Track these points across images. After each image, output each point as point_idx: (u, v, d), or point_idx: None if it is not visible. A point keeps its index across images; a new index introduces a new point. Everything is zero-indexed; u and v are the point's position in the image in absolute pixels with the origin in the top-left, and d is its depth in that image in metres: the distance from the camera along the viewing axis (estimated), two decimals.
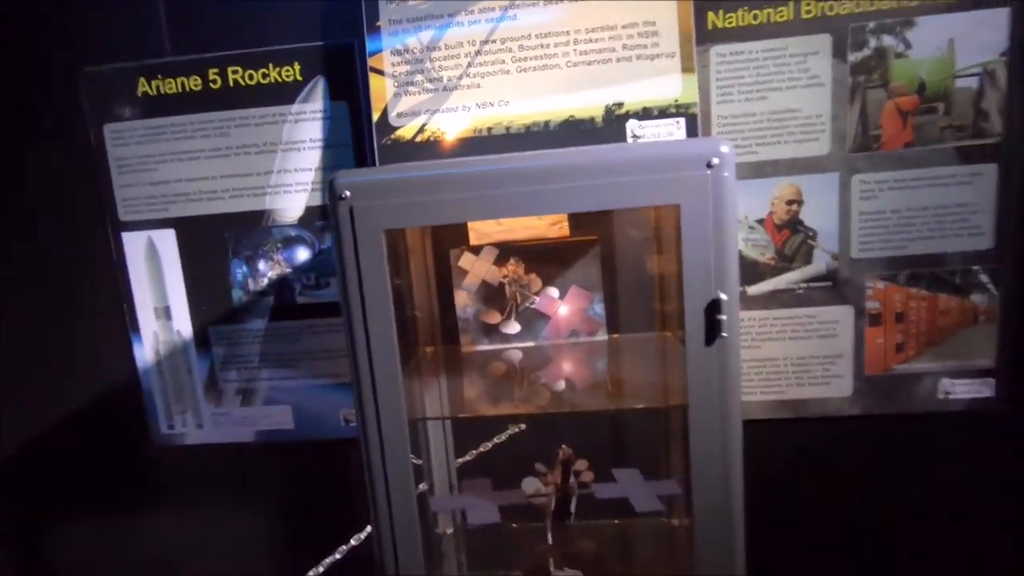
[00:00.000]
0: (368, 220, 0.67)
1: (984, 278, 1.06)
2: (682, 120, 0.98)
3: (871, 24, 1.00)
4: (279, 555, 1.27)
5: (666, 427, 1.11)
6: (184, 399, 1.24)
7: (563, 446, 0.94)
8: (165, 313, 1.20)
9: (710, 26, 1.03)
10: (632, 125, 0.98)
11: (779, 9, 1.01)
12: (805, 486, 1.16)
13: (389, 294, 0.71)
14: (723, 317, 0.64)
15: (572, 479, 0.91)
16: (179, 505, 1.29)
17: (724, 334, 0.65)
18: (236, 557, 1.30)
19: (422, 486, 1.13)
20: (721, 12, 1.02)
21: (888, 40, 1.00)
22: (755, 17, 1.02)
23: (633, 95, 0.98)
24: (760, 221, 1.08)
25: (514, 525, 1.13)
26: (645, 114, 0.99)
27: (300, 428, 1.22)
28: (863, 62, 1.02)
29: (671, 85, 0.98)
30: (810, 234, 1.07)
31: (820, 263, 1.08)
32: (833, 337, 1.10)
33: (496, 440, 1.20)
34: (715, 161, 0.62)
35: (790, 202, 1.07)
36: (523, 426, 1.18)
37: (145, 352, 1.22)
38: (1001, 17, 0.98)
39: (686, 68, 0.98)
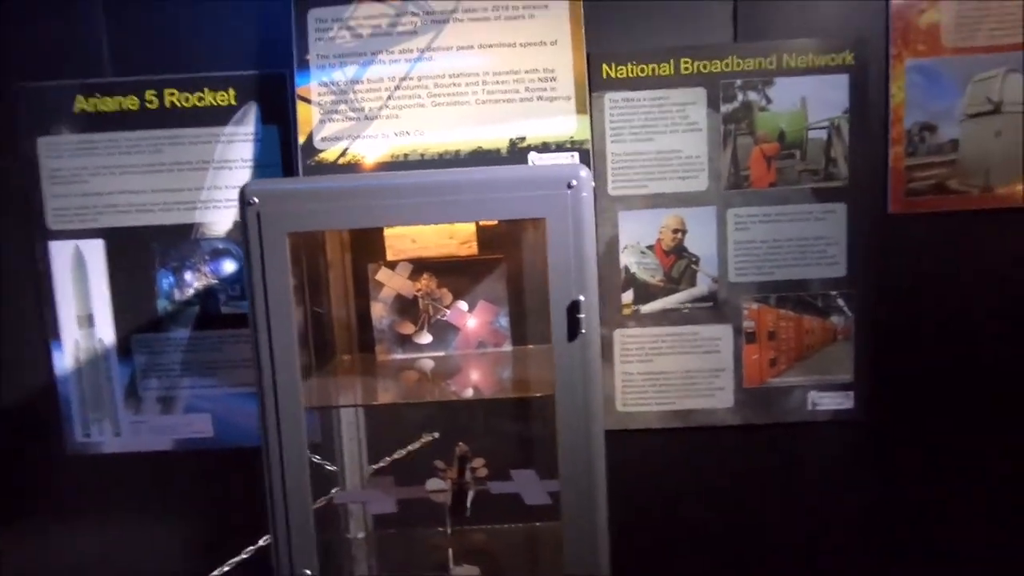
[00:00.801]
0: (273, 224, 0.75)
1: (840, 302, 1.21)
2: (576, 154, 1.11)
3: (738, 81, 1.17)
4: (194, 562, 1.27)
5: None
6: (103, 407, 1.25)
7: (460, 443, 1.01)
8: (88, 321, 1.23)
9: (604, 75, 1.18)
10: (533, 157, 1.11)
11: (662, 65, 1.17)
12: (690, 490, 1.26)
13: (291, 295, 0.78)
14: (582, 316, 0.75)
15: (468, 475, 0.98)
16: (93, 513, 1.29)
17: (583, 331, 0.75)
18: (151, 564, 1.29)
19: (335, 490, 1.17)
20: (614, 64, 1.17)
21: (752, 95, 1.17)
22: (642, 70, 1.17)
23: (534, 131, 1.11)
24: (650, 247, 1.21)
25: (422, 529, 1.18)
26: (545, 148, 1.12)
27: (220, 436, 1.25)
28: (733, 113, 1.18)
29: (567, 124, 1.11)
30: (694, 259, 1.21)
31: (703, 285, 1.22)
32: (716, 353, 1.22)
33: (410, 447, 1.26)
34: (574, 182, 0.74)
35: (676, 231, 1.20)
36: (436, 435, 1.25)
37: (65, 360, 1.24)
38: (842, 81, 1.17)
39: (580, 110, 1.12)
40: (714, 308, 1.22)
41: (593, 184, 0.76)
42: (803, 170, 1.19)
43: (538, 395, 0.96)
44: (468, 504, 0.98)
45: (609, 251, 1.21)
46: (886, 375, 1.22)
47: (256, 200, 0.75)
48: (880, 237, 1.20)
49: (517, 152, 1.11)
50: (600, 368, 0.79)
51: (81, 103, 1.18)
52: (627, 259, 1.21)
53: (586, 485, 0.77)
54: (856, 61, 1.16)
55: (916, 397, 1.23)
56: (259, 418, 0.85)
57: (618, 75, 1.18)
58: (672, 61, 1.17)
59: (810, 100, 1.18)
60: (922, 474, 1.25)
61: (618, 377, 1.23)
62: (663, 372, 1.23)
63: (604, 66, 1.18)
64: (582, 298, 0.74)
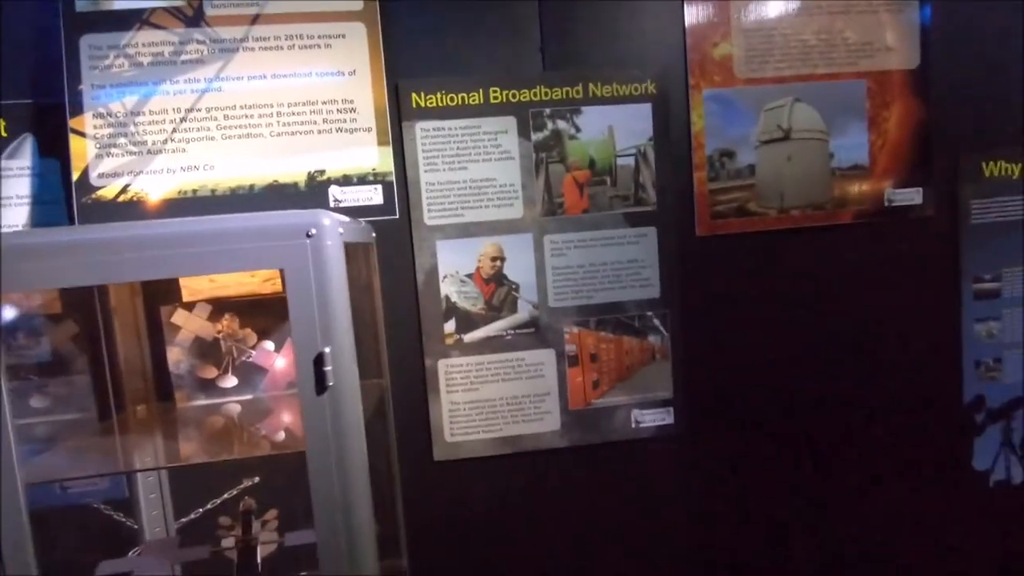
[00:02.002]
0: None
1: (656, 322, 1.26)
2: (379, 186, 1.09)
3: (547, 110, 1.19)
4: None
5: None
6: None
7: (245, 497, 0.96)
8: None
9: (414, 104, 1.16)
10: (334, 190, 1.08)
11: (471, 94, 1.17)
12: (521, 515, 1.26)
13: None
14: (328, 368, 0.72)
15: (255, 530, 0.93)
16: None
17: (331, 383, 0.73)
18: None
19: (133, 552, 1.09)
20: (422, 93, 1.16)
21: (562, 124, 1.20)
22: (451, 99, 1.17)
23: (334, 163, 1.08)
24: (470, 275, 1.21)
25: None
26: (346, 181, 1.09)
27: None
28: (544, 141, 1.20)
29: (368, 155, 1.09)
30: (513, 287, 1.22)
31: (524, 312, 1.23)
32: (540, 377, 1.24)
33: (227, 495, 1.19)
34: (313, 231, 0.72)
35: (494, 259, 1.21)
36: (257, 479, 1.19)
37: None
38: (646, 110, 1.21)
39: (382, 141, 1.10)
40: (536, 334, 1.23)
41: (341, 231, 0.74)
42: (614, 196, 1.23)
43: (286, 452, 0.92)
44: (259, 560, 0.93)
45: (429, 281, 1.20)
46: (700, 389, 1.28)
47: None
48: (690, 258, 1.25)
49: (316, 186, 1.08)
50: (360, 419, 0.77)
51: None
52: (447, 288, 1.20)
53: (346, 540, 0.74)
54: (658, 91, 1.21)
55: (729, 407, 1.30)
56: None
57: (428, 104, 1.17)
58: (481, 90, 1.18)
59: (617, 128, 1.21)
60: (740, 480, 1.31)
61: (445, 407, 1.22)
62: (489, 400, 1.23)
63: (413, 95, 1.16)
64: (327, 350, 0.71)
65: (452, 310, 1.21)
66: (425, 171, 1.18)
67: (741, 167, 1.24)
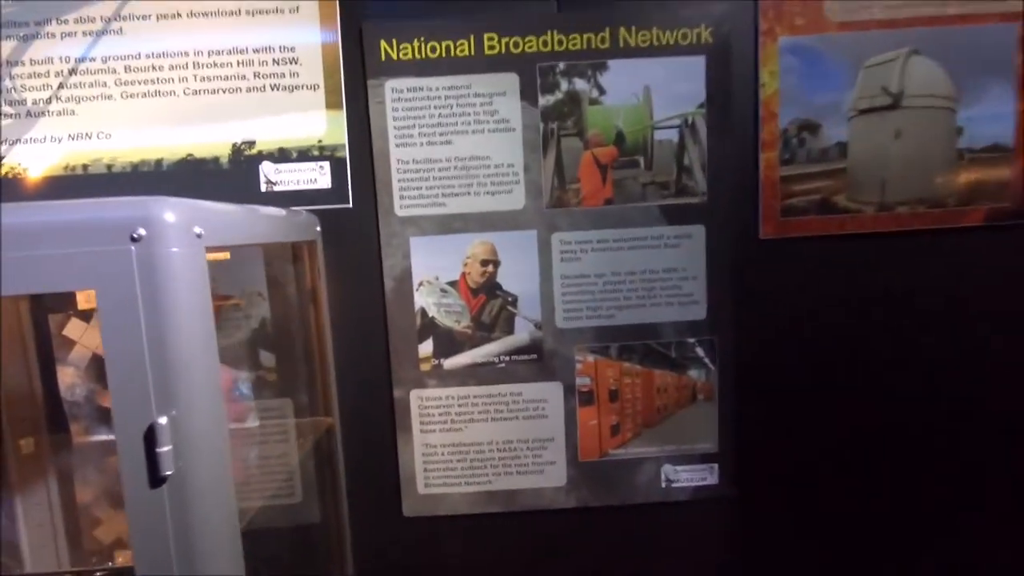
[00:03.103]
0: None
1: (701, 352, 0.95)
2: (326, 164, 0.82)
3: (561, 65, 0.89)
4: None
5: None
6: None
7: None
8: None
9: (383, 56, 0.88)
10: (266, 168, 0.81)
11: (460, 42, 0.88)
12: None
13: None
14: (165, 449, 0.47)
15: None
16: None
17: (169, 472, 0.47)
18: None
19: None
20: (395, 41, 0.88)
21: (581, 84, 0.89)
22: (434, 49, 0.88)
23: (267, 132, 0.81)
24: (453, 284, 0.93)
25: None
26: (282, 155, 0.82)
27: None
28: (555, 107, 0.90)
29: (314, 123, 0.82)
30: (509, 299, 0.93)
31: (523, 333, 0.94)
32: (542, 418, 0.95)
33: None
34: (141, 232, 0.45)
35: (485, 262, 0.93)
36: None
37: None
38: (697, 65, 0.89)
39: (332, 104, 0.82)
40: (538, 361, 0.95)
41: (199, 231, 0.47)
42: (649, 182, 0.92)
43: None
44: None
45: (400, 289, 0.93)
46: (757, 442, 0.97)
47: None
48: (750, 269, 0.93)
49: (244, 162, 0.82)
50: (234, 523, 0.51)
51: None
52: (424, 299, 0.93)
53: None
54: (715, 39, 0.89)
55: (793, 467, 0.98)
56: None
57: (402, 56, 0.89)
58: (473, 37, 0.88)
59: (656, 91, 0.90)
60: (802, 555, 1.00)
61: (418, 450, 0.96)
62: (475, 443, 0.96)
63: (383, 43, 0.88)
64: (163, 420, 0.46)
65: (429, 327, 0.94)
66: (397, 145, 0.90)
67: (828, 146, 0.91)
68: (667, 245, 0.92)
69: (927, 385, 0.95)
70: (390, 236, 0.91)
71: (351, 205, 0.83)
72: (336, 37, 0.81)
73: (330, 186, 0.81)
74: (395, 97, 0.89)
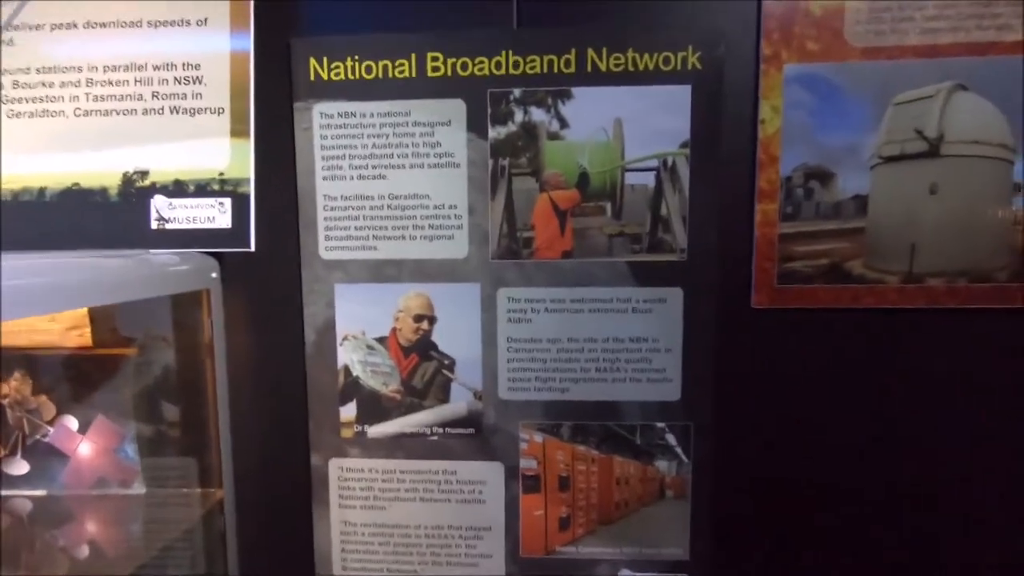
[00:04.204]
0: None
1: (671, 439, 0.79)
2: (227, 201, 0.71)
3: (516, 92, 0.75)
4: None
5: None
6: None
7: None
8: None
9: (313, 76, 0.77)
10: (158, 203, 0.71)
11: (399, 62, 0.75)
12: None
13: None
14: None
15: None
16: None
17: None
18: None
19: None
20: (326, 60, 0.76)
21: (539, 114, 0.75)
22: (369, 70, 0.76)
23: (163, 161, 0.70)
24: (382, 340, 0.80)
25: None
26: (179, 189, 0.71)
27: None
28: (508, 140, 0.76)
29: (216, 152, 0.70)
30: (446, 362, 0.80)
31: (460, 402, 0.80)
32: (479, 503, 0.81)
33: None
34: None
35: (419, 317, 0.79)
36: None
37: None
38: (681, 95, 0.74)
39: (237, 131, 0.71)
40: (477, 437, 0.80)
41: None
42: (617, 234, 0.77)
43: None
44: None
45: (321, 343, 0.81)
46: (736, 551, 0.79)
47: None
48: (736, 344, 0.76)
49: (134, 193, 0.71)
50: None
51: None
52: (348, 355, 0.81)
53: None
54: (705, 64, 0.73)
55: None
56: None
57: (333, 76, 0.77)
58: (414, 57, 0.76)
59: (630, 124, 0.75)
60: None
61: (335, 527, 0.83)
62: (400, 526, 0.82)
63: (312, 61, 0.77)
64: None
65: (353, 388, 0.81)
66: (324, 178, 0.78)
67: (842, 199, 0.74)
68: (636, 310, 0.77)
69: (952, 498, 0.77)
70: (313, 281, 0.80)
71: (252, 248, 0.72)
72: (248, 53, 0.70)
73: (229, 226, 0.70)
74: (324, 123, 0.77)
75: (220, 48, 0.69)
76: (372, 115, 0.76)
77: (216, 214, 0.69)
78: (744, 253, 0.75)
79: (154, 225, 0.69)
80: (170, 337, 0.79)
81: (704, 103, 0.73)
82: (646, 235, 0.75)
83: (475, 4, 0.75)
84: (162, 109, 0.69)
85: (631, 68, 0.73)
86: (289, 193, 0.77)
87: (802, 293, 0.75)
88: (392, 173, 0.77)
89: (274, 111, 0.76)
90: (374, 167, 0.77)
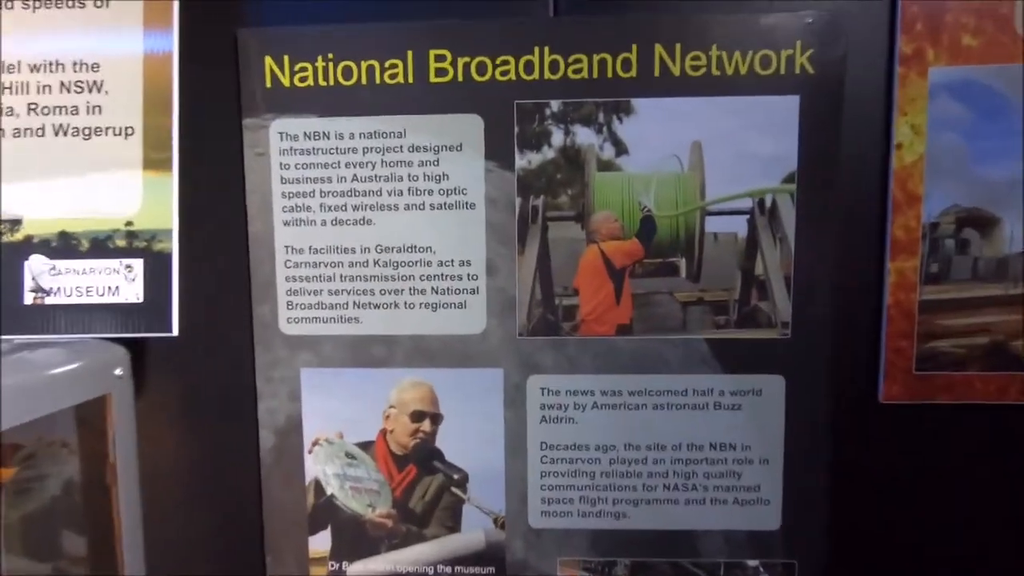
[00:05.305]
0: None
1: None
2: (137, 262, 0.49)
3: (554, 105, 0.55)
4: None
5: None
6: None
7: None
8: None
9: (269, 82, 0.55)
10: (35, 266, 0.49)
11: (389, 63, 0.54)
12: None
13: None
14: None
15: None
16: None
17: None
18: None
19: None
20: (287, 58, 0.55)
21: (585, 135, 0.55)
22: (348, 73, 0.54)
23: (43, 206, 0.48)
24: (367, 446, 0.59)
25: None
26: (65, 246, 0.50)
27: None
28: (542, 171, 0.56)
29: (122, 192, 0.48)
30: (456, 477, 0.58)
31: (475, 531, 0.58)
32: None
33: None
34: None
35: (418, 415, 0.58)
36: None
37: None
38: (786, 110, 0.54)
39: (154, 161, 0.49)
40: None
41: None
42: (694, 300, 0.56)
43: None
44: None
45: (283, 449, 0.59)
46: None
47: None
48: (860, 452, 0.56)
49: (1, 250, 0.50)
50: None
51: None
52: (320, 467, 0.59)
53: None
54: (819, 67, 0.53)
55: None
56: None
57: (299, 82, 0.56)
58: (411, 55, 0.55)
59: (713, 149, 0.54)
60: None
61: None
62: None
63: (268, 62, 0.56)
64: None
65: (327, 511, 0.59)
66: (286, 223, 0.57)
67: (1009, 254, 0.54)
68: (720, 406, 0.56)
69: None
70: (270, 366, 0.58)
71: (174, 332, 0.50)
72: (170, 49, 0.49)
73: (140, 299, 0.49)
74: (285, 147, 0.56)
75: (129, 41, 0.48)
76: (353, 136, 0.55)
77: (121, 282, 0.47)
78: (870, 328, 0.54)
79: (28, 299, 0.47)
80: (72, 442, 0.58)
81: (817, 121, 0.53)
82: (735, 303, 0.55)
83: None
84: (41, 129, 0.47)
85: (715, 72, 0.52)
86: (235, 243, 0.56)
87: (951, 383, 0.54)
88: (381, 216, 0.55)
89: (212, 131, 0.54)
90: (355, 208, 0.56)
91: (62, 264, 0.48)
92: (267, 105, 0.55)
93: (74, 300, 0.48)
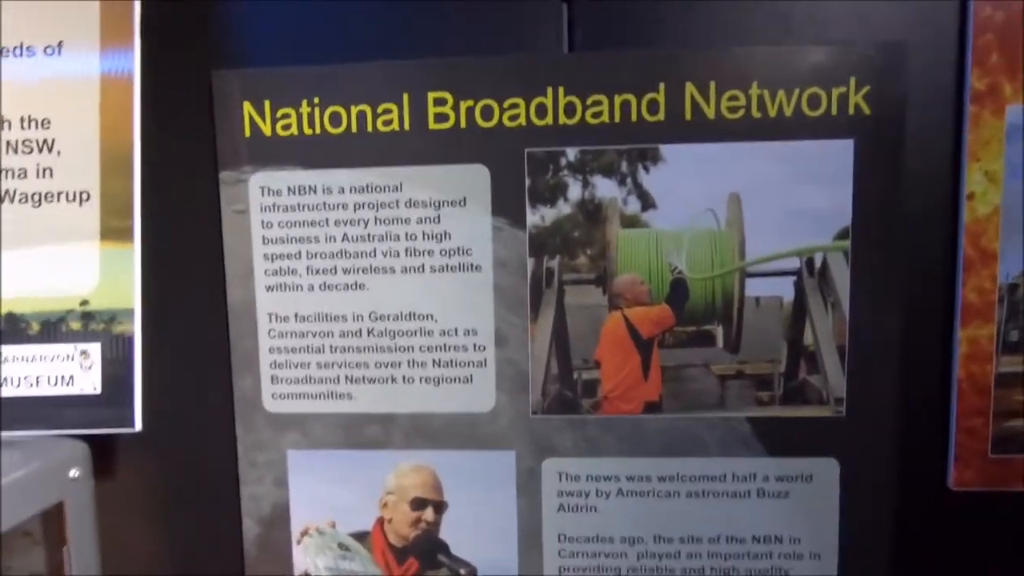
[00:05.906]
0: None
1: None
2: (94, 348, 0.43)
3: (570, 153, 0.49)
4: None
5: None
6: None
7: None
8: None
9: (248, 129, 0.49)
10: None
11: (382, 107, 0.48)
12: None
13: None
14: None
15: None
16: None
17: None
18: None
19: None
20: (269, 103, 0.49)
21: (606, 187, 0.49)
22: (335, 119, 0.49)
23: None
24: (362, 536, 0.52)
25: None
26: (11, 329, 0.44)
27: None
28: (558, 228, 0.49)
29: (76, 266, 0.43)
30: (462, 572, 0.52)
31: None
32: None
33: None
34: None
35: (419, 503, 0.52)
36: None
37: None
38: (837, 158, 0.47)
39: (113, 230, 0.43)
40: None
41: None
42: (734, 374, 0.50)
43: None
44: None
45: (268, 540, 0.52)
46: None
47: None
48: (924, 546, 0.49)
49: None
50: None
51: None
52: (310, 560, 0.53)
53: None
54: (876, 106, 0.46)
55: None
56: None
57: (282, 130, 0.50)
58: (407, 98, 0.49)
59: (754, 202, 0.48)
60: None
61: None
62: None
63: (248, 108, 0.50)
64: None
65: None
66: (268, 288, 0.51)
67: None
68: (765, 493, 0.49)
69: None
70: (253, 448, 0.52)
71: (137, 428, 0.44)
72: (132, 99, 0.43)
73: (98, 390, 0.43)
74: (268, 204, 0.50)
75: (84, 87, 0.42)
76: (343, 190, 0.49)
77: (76, 370, 0.41)
78: (938, 405, 0.48)
79: None
80: (37, 532, 0.52)
81: (875, 168, 0.46)
82: (780, 377, 0.48)
83: (498, 18, 0.48)
84: None
85: (756, 114, 0.46)
86: (213, 312, 0.50)
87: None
88: (375, 280, 0.49)
89: (183, 188, 0.48)
90: (346, 271, 0.49)
91: (8, 350, 0.42)
92: (246, 156, 0.49)
93: (22, 392, 0.42)
